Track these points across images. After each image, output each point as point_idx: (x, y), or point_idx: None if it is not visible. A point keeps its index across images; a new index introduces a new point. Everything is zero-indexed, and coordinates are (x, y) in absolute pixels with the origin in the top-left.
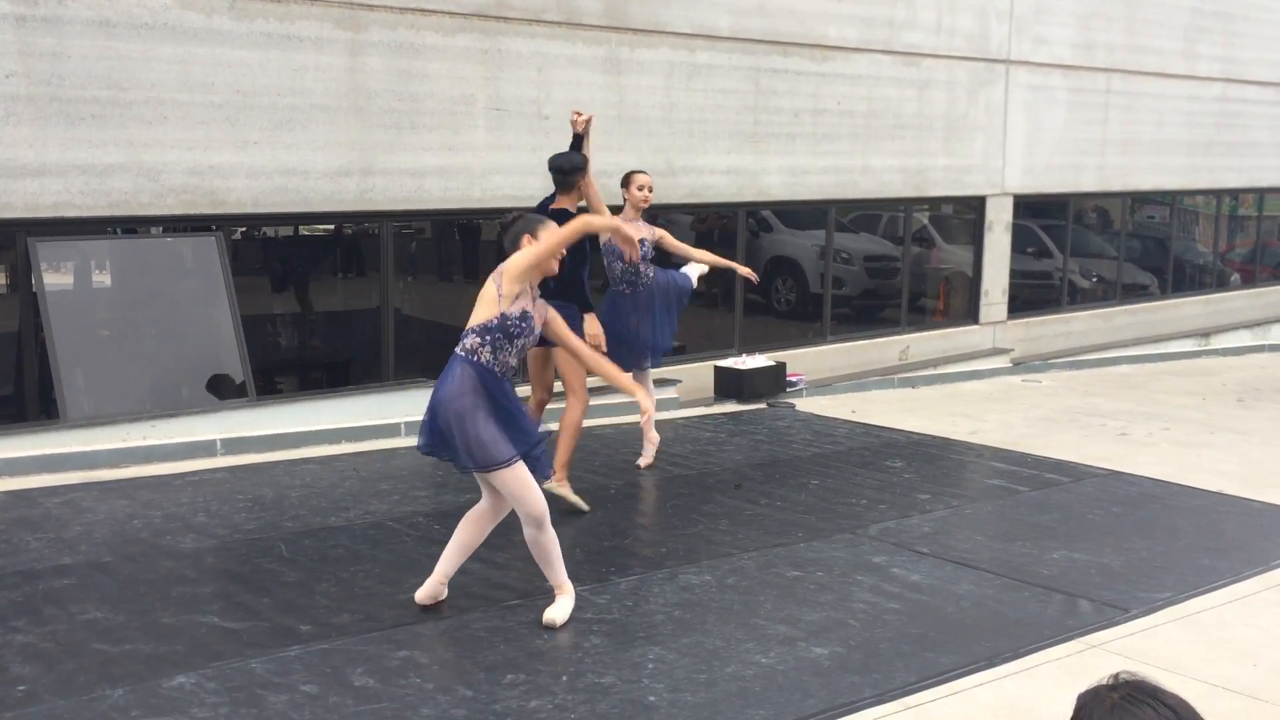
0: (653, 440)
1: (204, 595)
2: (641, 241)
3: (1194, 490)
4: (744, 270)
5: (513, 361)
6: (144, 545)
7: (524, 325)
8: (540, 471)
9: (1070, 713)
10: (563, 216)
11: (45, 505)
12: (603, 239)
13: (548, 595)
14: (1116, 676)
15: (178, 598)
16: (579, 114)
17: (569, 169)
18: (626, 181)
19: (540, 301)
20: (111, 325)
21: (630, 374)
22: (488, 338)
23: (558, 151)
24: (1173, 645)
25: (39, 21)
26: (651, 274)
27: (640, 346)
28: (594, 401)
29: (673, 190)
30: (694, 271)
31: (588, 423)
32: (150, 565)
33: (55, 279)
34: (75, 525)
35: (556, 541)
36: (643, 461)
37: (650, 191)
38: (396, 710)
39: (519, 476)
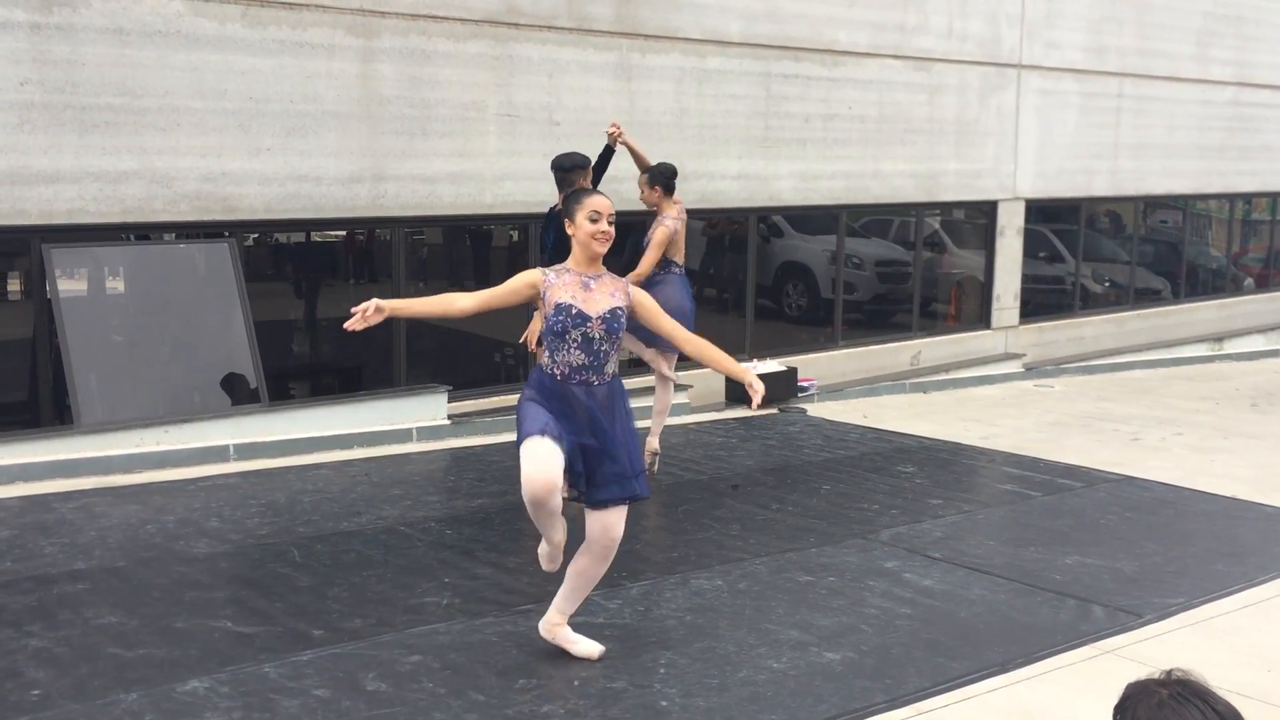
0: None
1: (217, 600)
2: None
3: (1207, 495)
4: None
5: (577, 358)
6: (157, 550)
7: (563, 318)
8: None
9: (1116, 701)
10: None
11: (59, 510)
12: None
13: None
14: (1169, 673)
15: (191, 602)
16: (617, 126)
17: (569, 167)
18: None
19: (612, 282)
20: (125, 331)
21: (651, 352)
22: (544, 342)
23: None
24: (1187, 651)
25: (53, 29)
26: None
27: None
28: None
29: (684, 195)
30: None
31: None
32: (164, 570)
33: (69, 285)
34: (89, 530)
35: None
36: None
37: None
38: (408, 715)
39: (523, 452)
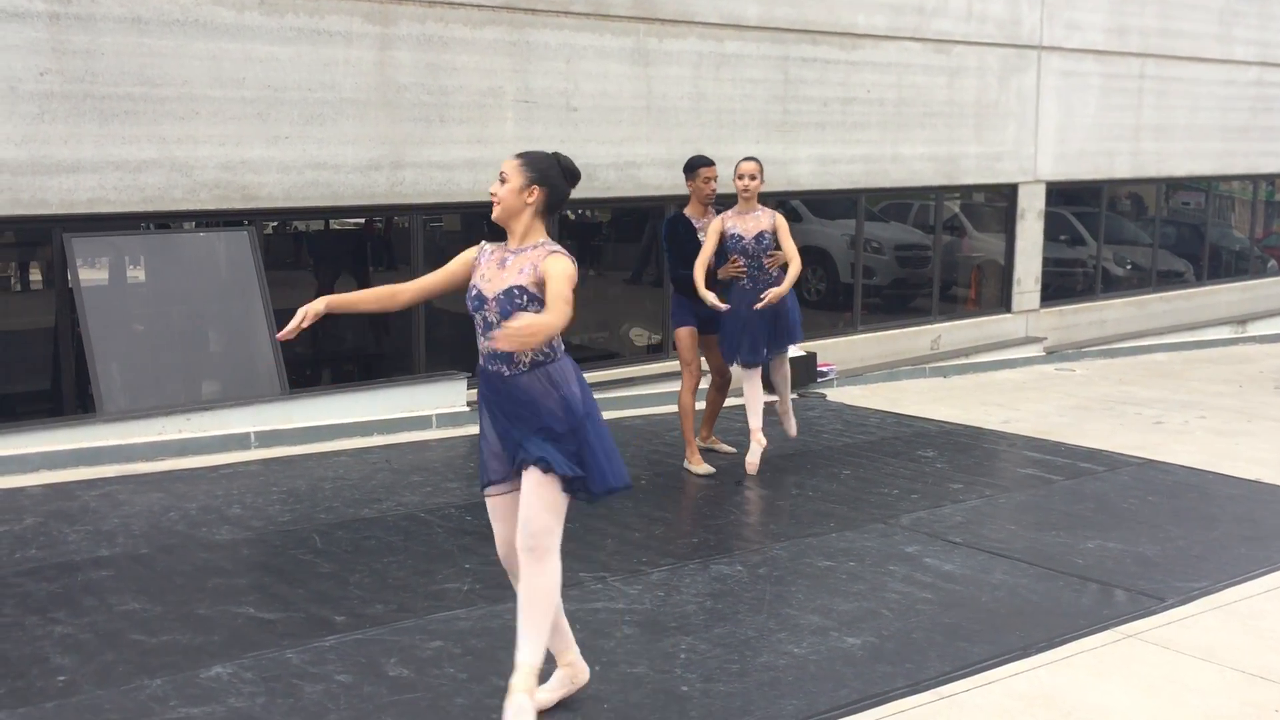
0: (760, 442)
1: (239, 586)
2: (761, 235)
3: (1231, 479)
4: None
5: (483, 343)
6: (180, 537)
7: (469, 300)
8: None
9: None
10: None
11: (83, 498)
12: (727, 233)
13: (581, 586)
14: None
15: (214, 589)
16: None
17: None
18: (695, 172)
19: (535, 253)
20: (146, 320)
21: (747, 369)
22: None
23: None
24: (1210, 635)
25: (72, 19)
26: (776, 272)
27: (756, 339)
28: (624, 393)
29: None
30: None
31: (621, 413)
32: (186, 557)
33: (90, 274)
34: (112, 518)
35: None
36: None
37: (751, 179)
38: (431, 700)
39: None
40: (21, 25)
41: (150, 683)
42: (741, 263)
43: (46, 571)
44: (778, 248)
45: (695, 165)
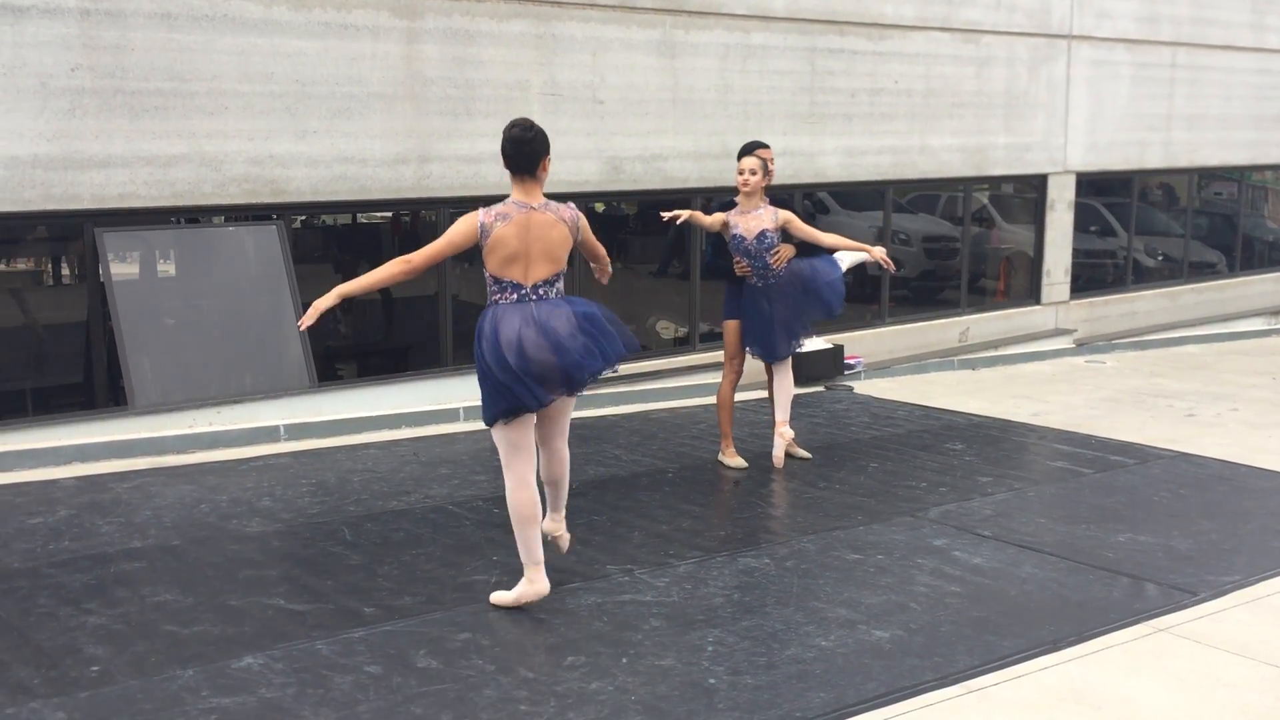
0: (785, 436)
1: (270, 578)
2: (763, 234)
3: (1264, 471)
4: (878, 255)
5: None
6: (211, 529)
7: None
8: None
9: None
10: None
11: (115, 490)
12: (729, 232)
13: (608, 579)
14: None
15: (245, 580)
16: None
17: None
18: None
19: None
20: (176, 314)
21: (770, 366)
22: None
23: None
24: (1242, 629)
25: (102, 15)
26: (783, 267)
27: (770, 336)
28: (650, 386)
29: (730, 173)
30: (845, 260)
31: (648, 406)
32: (218, 548)
33: (121, 269)
34: (144, 510)
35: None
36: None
37: (752, 174)
38: (459, 691)
39: None
40: (52, 21)
41: (182, 673)
42: (745, 263)
43: (80, 563)
44: (787, 240)
45: (749, 149)
